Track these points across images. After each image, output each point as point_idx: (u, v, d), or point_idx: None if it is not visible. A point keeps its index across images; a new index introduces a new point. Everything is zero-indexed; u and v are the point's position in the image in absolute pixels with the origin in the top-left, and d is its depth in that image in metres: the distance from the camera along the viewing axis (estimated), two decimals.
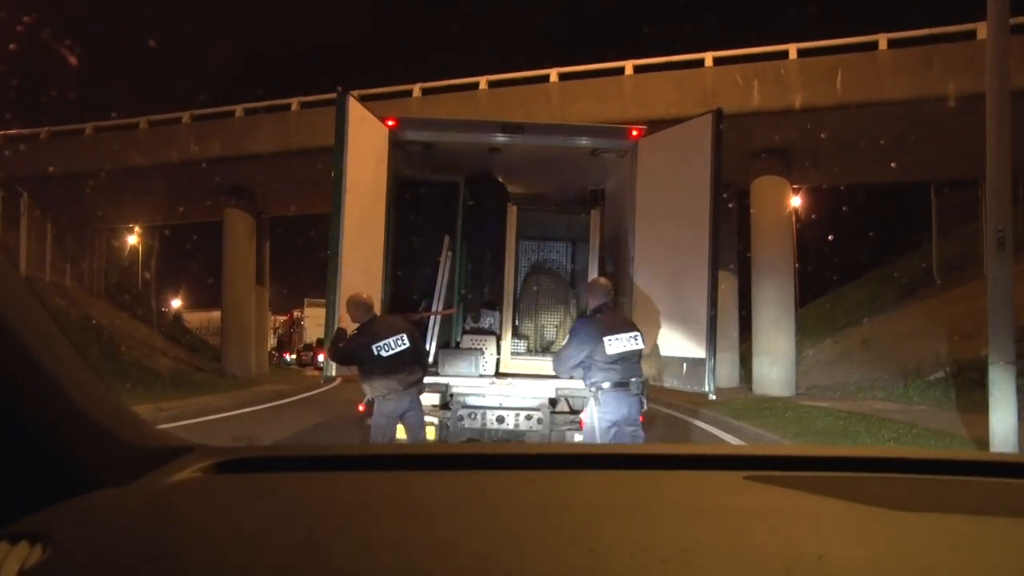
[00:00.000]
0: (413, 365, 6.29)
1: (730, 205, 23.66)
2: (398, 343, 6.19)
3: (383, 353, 6.17)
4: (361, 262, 7.02)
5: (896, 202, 26.66)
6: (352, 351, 6.32)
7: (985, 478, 1.36)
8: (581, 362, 6.29)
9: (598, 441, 6.27)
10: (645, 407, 6.36)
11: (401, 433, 6.57)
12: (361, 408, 6.68)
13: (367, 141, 7.22)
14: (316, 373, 28.69)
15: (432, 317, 7.92)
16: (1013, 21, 8.47)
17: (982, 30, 15.55)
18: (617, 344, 6.16)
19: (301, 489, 1.22)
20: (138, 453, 1.18)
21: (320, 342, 9.49)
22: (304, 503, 1.14)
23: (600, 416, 6.20)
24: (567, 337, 6.92)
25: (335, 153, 6.77)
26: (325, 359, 6.97)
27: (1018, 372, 7.92)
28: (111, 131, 25.10)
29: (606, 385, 6.17)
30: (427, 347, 7.90)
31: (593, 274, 8.32)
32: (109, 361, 22.82)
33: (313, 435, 10.71)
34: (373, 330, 6.27)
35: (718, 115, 6.88)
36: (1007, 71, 7.96)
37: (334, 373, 6.90)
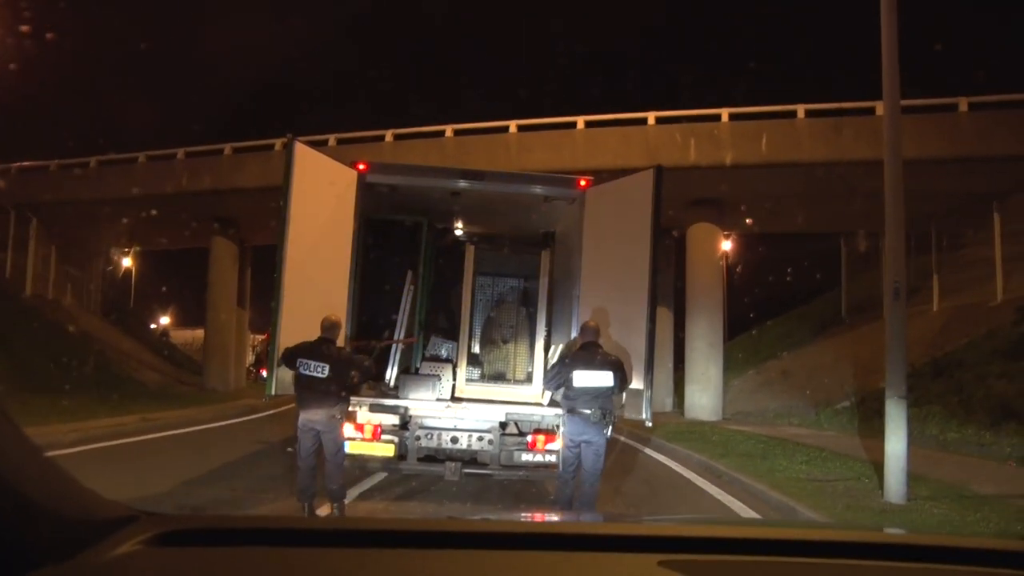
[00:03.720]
0: (327, 393, 6.31)
1: (669, 250, 23.99)
2: (317, 369, 6.25)
3: (302, 370, 6.30)
4: (322, 294, 6.95)
5: (812, 249, 27.16)
6: (289, 354, 6.41)
7: (885, 563, 1.34)
8: (559, 385, 6.56)
9: (562, 455, 6.54)
10: (608, 434, 6.46)
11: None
12: None
13: (329, 182, 7.17)
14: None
15: (394, 345, 7.90)
16: (905, 103, 8.72)
17: (879, 107, 16.10)
18: (584, 379, 6.35)
19: (240, 566, 1.18)
20: (80, 526, 1.09)
21: (259, 360, 9.34)
22: None
23: (564, 435, 6.51)
24: (555, 361, 7.28)
25: (282, 193, 6.63)
26: (268, 375, 6.85)
27: (909, 404, 8.11)
28: (112, 164, 24.82)
29: (574, 410, 6.38)
30: (387, 374, 7.85)
31: (543, 310, 8.38)
32: (101, 373, 22.33)
33: (281, 448, 10.53)
34: (310, 348, 6.34)
35: (659, 171, 6.96)
36: (900, 148, 8.19)
37: (274, 392, 6.70)
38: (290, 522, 1.46)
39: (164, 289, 42.85)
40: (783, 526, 1.74)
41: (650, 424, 7.02)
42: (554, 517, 2.78)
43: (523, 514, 2.74)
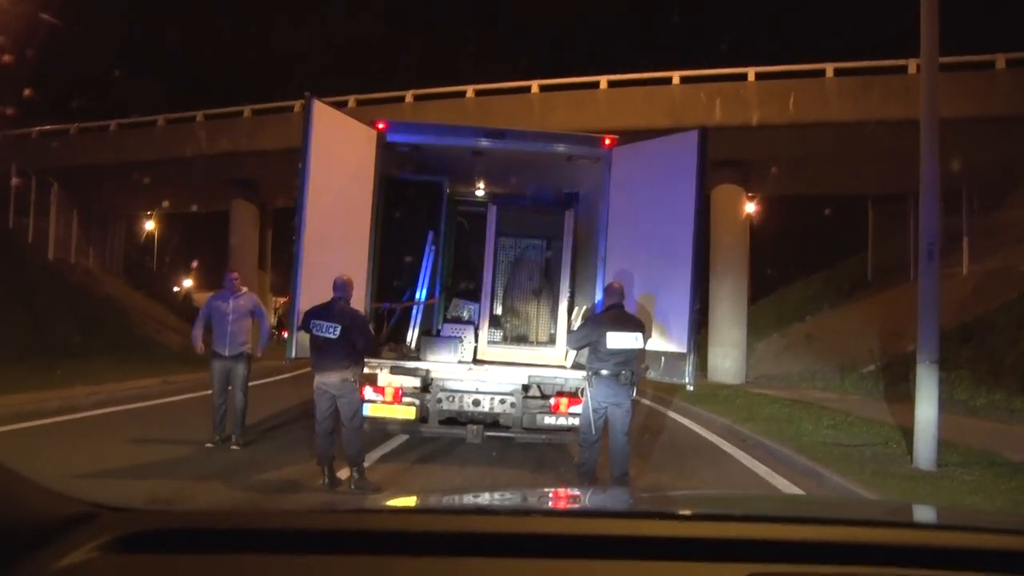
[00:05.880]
0: (340, 355, 6.20)
1: None
2: (328, 330, 6.12)
3: (314, 330, 6.17)
4: (341, 255, 6.82)
5: (838, 211, 26.67)
6: (304, 317, 6.31)
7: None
8: (587, 345, 6.45)
9: (587, 419, 6.37)
10: (633, 394, 6.45)
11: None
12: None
13: (348, 142, 7.02)
14: None
15: (415, 307, 7.82)
16: (940, 60, 8.37)
17: (912, 66, 15.82)
18: (617, 340, 6.25)
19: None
20: (24, 528, 0.91)
21: (281, 322, 9.09)
22: None
23: (591, 397, 6.36)
24: (582, 322, 7.19)
25: (301, 153, 6.43)
26: (287, 338, 6.72)
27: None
28: (132, 128, 24.85)
29: (603, 373, 6.28)
30: (408, 335, 7.77)
31: (566, 271, 8.28)
32: (124, 335, 22.53)
33: (302, 409, 10.57)
34: (322, 309, 6.22)
35: (703, 134, 6.81)
36: (936, 106, 7.95)
37: (294, 355, 6.58)
38: (279, 519, 1.21)
39: (186, 252, 43.14)
40: (869, 520, 1.51)
41: (692, 388, 6.94)
42: (600, 498, 2.48)
43: (561, 494, 2.44)
